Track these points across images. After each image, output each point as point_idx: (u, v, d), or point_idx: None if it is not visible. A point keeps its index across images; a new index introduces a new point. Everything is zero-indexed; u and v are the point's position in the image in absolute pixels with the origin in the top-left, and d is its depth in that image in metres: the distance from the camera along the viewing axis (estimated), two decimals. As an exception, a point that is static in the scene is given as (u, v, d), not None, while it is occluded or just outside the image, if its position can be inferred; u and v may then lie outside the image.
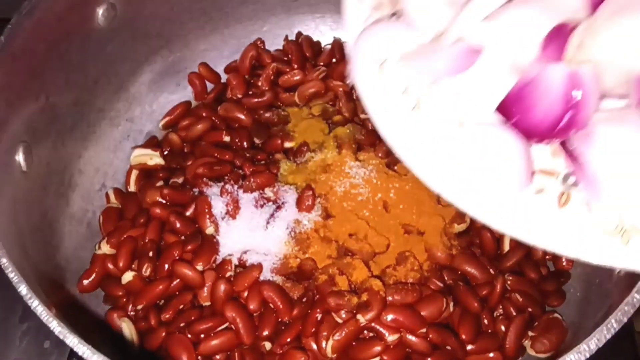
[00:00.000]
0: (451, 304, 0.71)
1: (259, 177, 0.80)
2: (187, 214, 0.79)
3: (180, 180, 0.84)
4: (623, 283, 0.54)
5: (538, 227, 0.45)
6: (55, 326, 0.44)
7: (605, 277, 0.68)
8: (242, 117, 0.89)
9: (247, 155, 0.84)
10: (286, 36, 1.00)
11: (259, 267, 0.73)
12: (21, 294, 0.47)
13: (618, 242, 0.42)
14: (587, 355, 0.42)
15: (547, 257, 0.82)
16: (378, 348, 0.68)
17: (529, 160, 0.46)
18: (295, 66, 0.95)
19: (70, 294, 0.75)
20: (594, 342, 0.43)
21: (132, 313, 0.75)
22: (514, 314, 0.73)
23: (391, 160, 0.82)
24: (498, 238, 0.79)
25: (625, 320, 0.44)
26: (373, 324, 0.68)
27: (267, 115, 0.90)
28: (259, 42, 0.99)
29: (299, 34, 1.00)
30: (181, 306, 0.73)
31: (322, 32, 1.02)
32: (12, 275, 0.48)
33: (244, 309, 0.71)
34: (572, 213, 0.45)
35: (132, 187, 0.88)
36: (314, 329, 0.69)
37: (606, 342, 0.78)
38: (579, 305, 0.75)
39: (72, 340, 0.42)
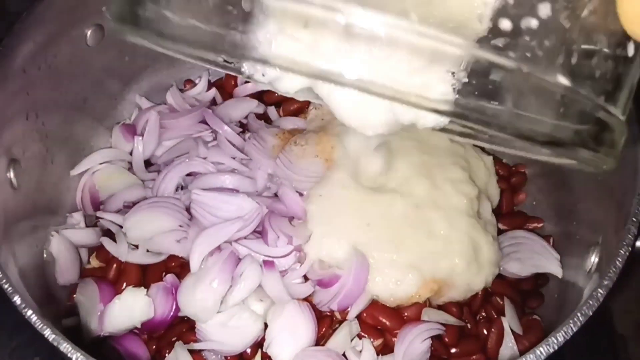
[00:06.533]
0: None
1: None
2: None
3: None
4: (594, 283, 0.57)
5: None
6: (49, 334, 0.45)
7: (580, 278, 0.71)
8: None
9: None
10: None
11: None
12: (15, 304, 0.48)
13: None
14: (556, 347, 0.44)
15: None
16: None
17: None
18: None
19: (61, 308, 0.76)
20: (561, 335, 0.45)
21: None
22: (495, 316, 0.76)
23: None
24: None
25: (590, 313, 0.47)
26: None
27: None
28: (244, 59, 1.00)
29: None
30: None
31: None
32: (7, 286, 0.49)
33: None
34: None
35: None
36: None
37: (587, 343, 0.81)
38: (557, 307, 0.77)
39: (66, 347, 0.43)
